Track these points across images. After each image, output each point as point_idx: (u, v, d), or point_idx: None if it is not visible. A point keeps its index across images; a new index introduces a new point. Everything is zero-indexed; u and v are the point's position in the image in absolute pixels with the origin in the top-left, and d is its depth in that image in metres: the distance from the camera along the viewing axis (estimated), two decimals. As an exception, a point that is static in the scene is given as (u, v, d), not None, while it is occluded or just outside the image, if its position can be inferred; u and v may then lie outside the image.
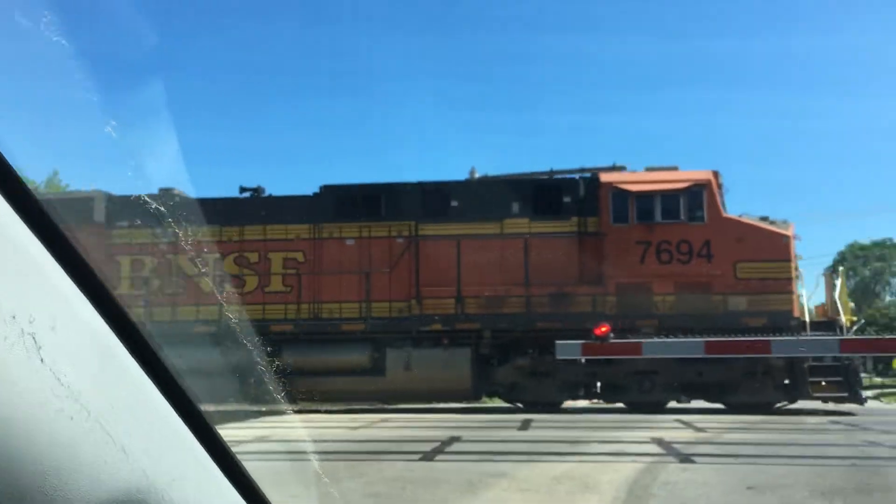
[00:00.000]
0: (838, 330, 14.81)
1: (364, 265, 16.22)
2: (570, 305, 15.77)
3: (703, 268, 15.33)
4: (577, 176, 16.39)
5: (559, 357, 14.72)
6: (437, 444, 8.71)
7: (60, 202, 18.61)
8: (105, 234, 16.29)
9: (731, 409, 14.63)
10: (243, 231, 16.57)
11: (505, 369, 15.61)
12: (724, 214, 15.64)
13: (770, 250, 15.40)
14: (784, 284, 15.30)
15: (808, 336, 14.43)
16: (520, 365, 15.52)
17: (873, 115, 75.76)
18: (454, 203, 16.39)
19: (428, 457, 7.63)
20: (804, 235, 24.55)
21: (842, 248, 50.43)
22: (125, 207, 16.90)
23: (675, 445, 8.37)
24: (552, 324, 15.28)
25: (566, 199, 16.17)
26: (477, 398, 16.51)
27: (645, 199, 15.57)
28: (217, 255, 16.39)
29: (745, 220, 15.93)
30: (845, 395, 14.42)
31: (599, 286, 15.52)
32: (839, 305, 15.48)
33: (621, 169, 16.36)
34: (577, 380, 15.45)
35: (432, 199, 16.52)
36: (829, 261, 44.00)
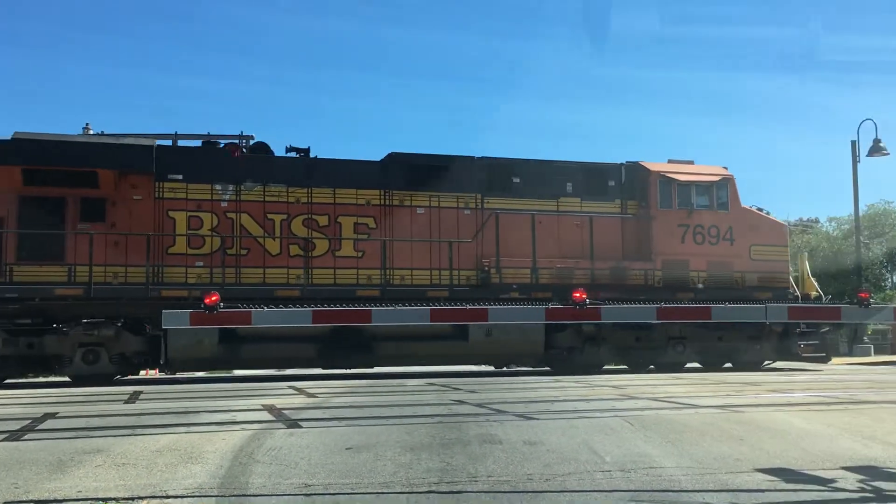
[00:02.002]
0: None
1: (434, 233, 16.76)
2: (625, 279, 17.60)
3: (727, 249, 18.27)
4: (620, 162, 18.40)
5: (165, 326, 14.16)
6: (27, 421, 7.91)
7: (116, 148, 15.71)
8: (157, 187, 15.56)
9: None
10: (311, 193, 16.24)
11: (565, 335, 16.70)
12: (742, 205, 18.66)
13: (774, 237, 18.89)
14: (784, 265, 18.88)
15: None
16: (583, 332, 16.77)
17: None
18: (516, 179, 17.48)
19: (14, 436, 6.89)
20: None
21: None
22: (182, 158, 16.03)
23: (286, 412, 8.58)
24: (612, 294, 16.81)
25: (611, 183, 18.13)
26: (548, 362, 17.41)
27: (686, 188, 18.07)
28: (286, 216, 16.15)
29: (756, 210, 19.15)
30: (823, 354, 18.13)
31: (649, 262, 17.80)
32: (813, 282, 18.90)
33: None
34: (633, 345, 17.29)
35: (497, 174, 17.48)
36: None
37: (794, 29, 66.69)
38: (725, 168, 19.07)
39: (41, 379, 17.11)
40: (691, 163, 18.89)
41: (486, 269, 16.79)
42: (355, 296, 15.69)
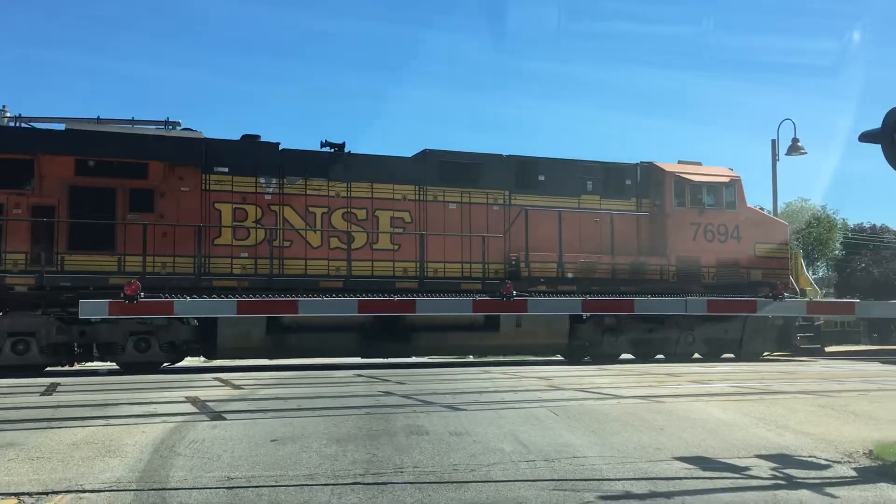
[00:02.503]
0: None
1: (465, 228, 17.21)
2: (643, 273, 18.20)
3: (735, 247, 18.98)
4: (636, 162, 19.09)
5: (82, 316, 13.84)
6: (-66, 415, 7.58)
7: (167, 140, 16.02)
8: (204, 179, 15.82)
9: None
10: (350, 187, 16.62)
11: (587, 327, 17.27)
12: (748, 205, 19.70)
13: (776, 235, 19.83)
14: (784, 262, 19.69)
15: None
16: (604, 324, 17.33)
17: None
18: (541, 177, 18.02)
19: (-81, 431, 6.59)
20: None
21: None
22: (227, 151, 16.22)
23: (210, 404, 8.42)
24: (631, 288, 17.45)
25: (627, 182, 18.80)
26: (571, 353, 17.70)
27: (698, 188, 18.83)
28: (326, 209, 16.48)
29: (759, 210, 20.38)
30: (818, 346, 19.39)
31: (664, 258, 18.44)
32: (808, 277, 19.89)
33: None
34: (647, 337, 17.86)
35: (523, 172, 17.98)
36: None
37: (688, 26, 68.42)
38: (731, 169, 19.89)
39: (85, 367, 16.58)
40: (699, 164, 19.69)
41: (514, 262, 17.38)
42: (394, 287, 16.11)
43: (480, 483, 5.02)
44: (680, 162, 19.63)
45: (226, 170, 15.85)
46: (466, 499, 4.66)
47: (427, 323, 16.10)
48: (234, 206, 15.88)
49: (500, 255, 17.32)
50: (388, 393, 9.62)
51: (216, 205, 15.74)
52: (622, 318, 17.38)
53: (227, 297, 14.78)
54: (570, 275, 17.55)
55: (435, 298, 15.56)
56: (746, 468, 5.53)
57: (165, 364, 15.56)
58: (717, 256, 18.95)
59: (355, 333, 16.03)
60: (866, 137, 6.30)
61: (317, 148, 16.96)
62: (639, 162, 19.18)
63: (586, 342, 17.57)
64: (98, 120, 16.54)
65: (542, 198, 17.89)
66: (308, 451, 5.77)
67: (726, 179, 19.36)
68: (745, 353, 18.52)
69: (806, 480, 5.17)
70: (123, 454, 5.60)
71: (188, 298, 14.41)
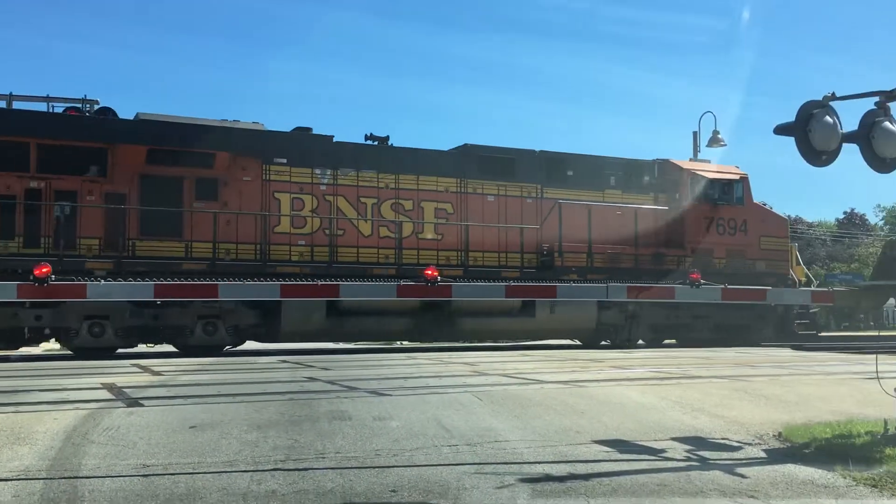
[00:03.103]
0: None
1: (501, 219, 18.20)
2: (663, 264, 19.46)
3: (742, 239, 20.35)
4: (653, 160, 20.51)
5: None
6: None
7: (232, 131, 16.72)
8: (265, 169, 16.54)
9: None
10: (398, 179, 17.57)
11: (611, 313, 18.24)
12: (754, 201, 20.99)
13: (778, 229, 21.20)
14: (785, 254, 20.92)
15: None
16: (627, 310, 18.36)
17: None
18: (570, 172, 19.28)
19: None
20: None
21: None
22: (286, 143, 17.02)
23: (127, 390, 8.20)
24: (652, 277, 18.67)
25: (646, 178, 20.21)
26: (598, 338, 18.77)
27: (711, 185, 20.12)
28: (376, 200, 17.36)
29: (763, 206, 21.50)
30: (813, 332, 20.50)
31: (682, 249, 19.84)
32: (803, 268, 21.20)
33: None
34: (665, 322, 19.07)
35: (554, 167, 19.19)
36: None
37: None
38: (738, 167, 21.30)
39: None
40: (708, 161, 21.39)
41: (546, 252, 18.43)
42: (442, 275, 16.87)
43: (403, 468, 5.02)
44: (690, 160, 21.40)
45: (284, 161, 16.67)
46: (388, 483, 4.65)
47: (469, 309, 17.06)
48: (292, 195, 16.71)
49: (534, 245, 18.51)
50: (312, 379, 9.53)
51: (276, 194, 16.56)
52: (643, 304, 18.52)
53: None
54: (598, 264, 18.90)
55: (472, 284, 16.77)
56: (662, 450, 5.68)
57: (228, 347, 15.99)
58: (727, 248, 20.35)
59: (406, 317, 16.95)
60: (781, 130, 6.50)
61: (361, 140, 18.10)
62: (656, 159, 20.70)
63: (610, 327, 18.68)
64: (11, 95, 15.95)
65: (570, 191, 19.14)
66: (228, 437, 5.67)
67: (736, 177, 20.77)
68: (753, 340, 19.59)
69: (718, 461, 5.33)
70: (33, 442, 5.40)
71: (101, 282, 14.34)
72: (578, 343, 19.57)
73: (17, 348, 15.66)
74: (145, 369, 11.02)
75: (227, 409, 6.75)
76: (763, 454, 5.66)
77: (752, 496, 4.53)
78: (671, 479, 4.87)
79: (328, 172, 17.04)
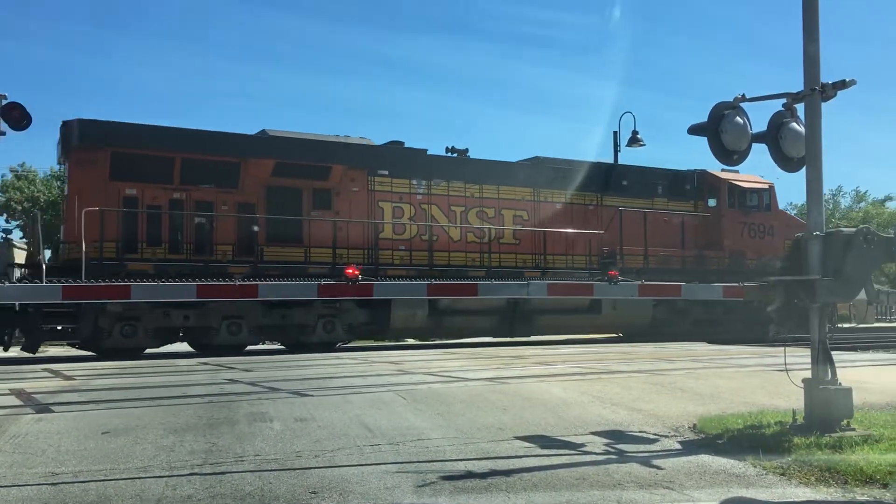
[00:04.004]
0: None
1: (567, 225, 20.05)
2: (705, 265, 21.46)
3: (770, 243, 21.97)
4: (692, 170, 22.50)
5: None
6: None
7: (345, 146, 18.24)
8: (370, 181, 18.10)
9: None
10: (482, 189, 19.35)
11: (663, 309, 19.99)
12: (779, 208, 23.52)
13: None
14: None
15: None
16: (675, 307, 20.03)
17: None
18: (624, 182, 21.20)
19: None
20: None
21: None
22: (387, 156, 18.72)
23: (37, 396, 7.89)
24: (696, 278, 19.96)
25: (687, 187, 22.25)
26: (652, 332, 19.71)
27: (745, 193, 22.40)
28: (464, 208, 19.17)
29: (787, 213, 24.01)
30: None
31: (721, 252, 21.92)
32: None
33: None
34: (711, 317, 20.64)
35: (611, 177, 21.13)
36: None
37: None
38: (762, 177, 23.23)
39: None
40: (738, 172, 22.15)
41: (607, 254, 20.09)
42: (523, 276, 18.65)
43: (324, 469, 4.96)
44: (723, 170, 22.49)
45: (386, 172, 18.28)
46: (308, 485, 4.60)
47: (545, 307, 18.64)
48: (394, 204, 18.33)
49: (596, 248, 20.33)
50: (233, 381, 9.36)
51: (380, 203, 18.16)
52: (690, 301, 20.00)
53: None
54: (653, 265, 20.62)
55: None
56: (582, 444, 5.77)
57: (339, 343, 17.37)
58: (757, 251, 22.02)
59: (494, 315, 18.55)
60: (694, 130, 6.69)
61: (441, 152, 20.06)
62: (695, 170, 22.72)
63: (660, 323, 20.24)
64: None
65: (625, 200, 21.09)
66: (142, 442, 5.51)
67: (766, 186, 22.87)
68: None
69: (636, 454, 5.45)
70: (-68, 452, 5.15)
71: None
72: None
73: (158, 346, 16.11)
74: (57, 374, 10.63)
75: (143, 414, 6.57)
76: (678, 446, 5.81)
77: (667, 487, 4.65)
78: (590, 472, 4.95)
79: (423, 183, 18.84)
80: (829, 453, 5.28)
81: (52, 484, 4.56)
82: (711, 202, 22.59)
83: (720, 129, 6.65)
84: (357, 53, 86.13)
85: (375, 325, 17.46)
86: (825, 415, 5.91)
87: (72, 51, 67.28)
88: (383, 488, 4.54)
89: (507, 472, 4.89)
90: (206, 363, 12.48)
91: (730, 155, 6.78)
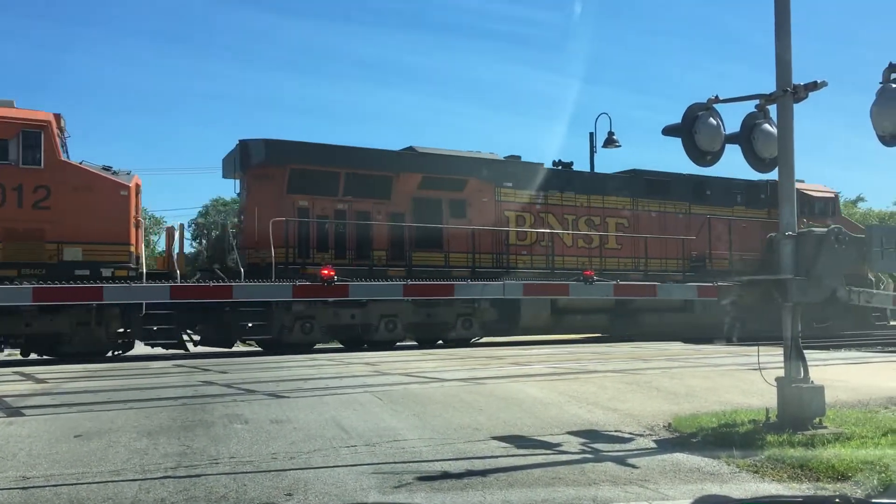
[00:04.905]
0: None
1: (661, 232, 21.70)
2: None
3: None
4: (767, 179, 22.77)
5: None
6: None
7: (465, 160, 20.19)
8: (497, 192, 19.95)
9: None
10: (590, 199, 21.22)
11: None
12: (841, 215, 24.54)
13: None
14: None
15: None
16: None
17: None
18: (708, 192, 22.84)
19: None
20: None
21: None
22: (510, 170, 20.49)
23: (7, 399, 7.78)
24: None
25: (761, 196, 23.60)
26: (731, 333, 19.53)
27: (815, 202, 23.66)
28: (574, 216, 21.06)
29: (847, 219, 24.95)
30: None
31: None
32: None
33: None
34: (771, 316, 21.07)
35: (697, 187, 22.63)
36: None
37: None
38: (825, 185, 24.99)
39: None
40: (802, 181, 23.68)
41: (696, 258, 21.89)
42: (628, 278, 20.29)
43: (300, 470, 4.94)
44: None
45: (510, 185, 20.12)
46: (284, 486, 4.57)
47: (646, 307, 20.30)
48: (517, 213, 20.19)
49: (686, 253, 22.02)
50: (208, 382, 9.29)
51: (505, 212, 20.01)
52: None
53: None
54: (737, 268, 21.39)
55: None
56: (558, 444, 5.79)
57: (474, 339, 19.16)
58: None
59: (605, 314, 20.40)
60: (668, 131, 6.73)
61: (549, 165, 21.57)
62: (769, 180, 22.67)
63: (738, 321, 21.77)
64: None
65: (710, 208, 22.76)
66: (116, 445, 5.45)
67: (832, 195, 24.68)
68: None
69: (611, 453, 5.48)
70: None
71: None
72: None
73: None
74: (28, 377, 10.49)
75: (116, 417, 6.50)
76: (653, 445, 5.85)
77: (641, 485, 4.67)
78: (566, 471, 4.97)
79: (541, 194, 20.55)
80: (802, 451, 5.34)
81: (23, 488, 4.50)
82: None
83: (694, 130, 6.71)
84: (306, 50, 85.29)
85: (507, 323, 19.25)
86: (798, 413, 5.98)
87: (43, 49, 66.45)
88: (359, 489, 4.53)
89: (484, 472, 4.89)
90: (181, 365, 12.37)
91: (704, 155, 6.84)
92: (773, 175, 6.63)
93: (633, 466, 5.09)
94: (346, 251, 18.10)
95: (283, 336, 16.73)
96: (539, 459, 5.34)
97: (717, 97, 6.76)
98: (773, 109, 6.60)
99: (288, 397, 7.64)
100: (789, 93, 6.22)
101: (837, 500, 2.11)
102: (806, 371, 6.15)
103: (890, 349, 16.43)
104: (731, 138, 6.89)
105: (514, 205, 20.26)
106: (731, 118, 6.97)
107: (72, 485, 4.57)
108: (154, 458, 5.18)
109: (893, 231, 6.38)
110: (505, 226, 19.96)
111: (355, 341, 18.28)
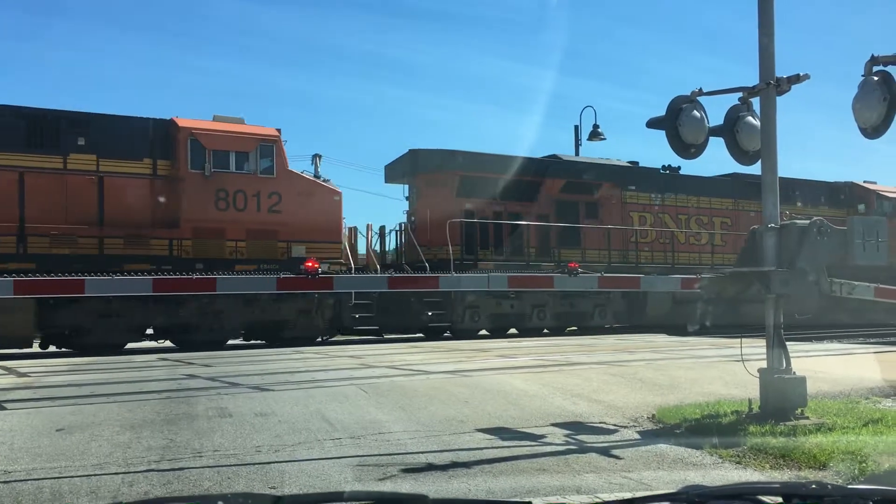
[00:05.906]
0: None
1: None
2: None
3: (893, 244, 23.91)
4: (844, 182, 25.98)
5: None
6: None
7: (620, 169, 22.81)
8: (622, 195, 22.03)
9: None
10: (699, 200, 23.17)
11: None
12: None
13: None
14: None
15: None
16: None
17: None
18: (796, 192, 24.12)
19: None
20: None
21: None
22: (632, 174, 22.68)
23: (-10, 393, 7.73)
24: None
25: (841, 197, 25.56)
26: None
27: (886, 201, 25.13)
28: (686, 216, 22.95)
29: None
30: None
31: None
32: None
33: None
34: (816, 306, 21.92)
35: (784, 189, 20.95)
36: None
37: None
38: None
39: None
40: (875, 182, 25.75)
41: None
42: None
43: (284, 463, 4.93)
44: (864, 182, 26.13)
45: (634, 188, 22.03)
46: (268, 479, 4.56)
47: (752, 297, 21.10)
48: (639, 214, 22.05)
49: None
50: (192, 376, 9.25)
51: (630, 213, 21.86)
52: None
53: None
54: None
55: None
56: (543, 436, 5.81)
57: (608, 326, 20.79)
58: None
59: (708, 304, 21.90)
60: (652, 124, 6.75)
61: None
62: (847, 182, 26.06)
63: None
64: None
65: (799, 209, 23.22)
66: (98, 439, 5.42)
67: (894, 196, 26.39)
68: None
69: (595, 444, 5.50)
70: None
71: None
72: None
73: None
74: (10, 371, 10.40)
75: (99, 411, 6.46)
76: (637, 436, 5.88)
77: (624, 476, 4.69)
78: (550, 462, 4.98)
79: (659, 196, 22.40)
80: (784, 441, 5.38)
81: (5, 482, 4.46)
82: (861, 209, 25.86)
83: (678, 123, 6.72)
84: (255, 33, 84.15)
85: (634, 314, 20.77)
86: (780, 404, 6.02)
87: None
88: (343, 482, 4.52)
89: (469, 464, 4.90)
90: (165, 359, 12.32)
91: (687, 148, 6.86)
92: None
93: (617, 457, 5.11)
94: (504, 248, 20.03)
95: (456, 323, 18.67)
96: (524, 451, 5.35)
97: (700, 90, 6.78)
98: (756, 102, 6.63)
99: (273, 390, 7.63)
100: (772, 85, 6.25)
101: (814, 486, 2.11)
102: (788, 362, 6.19)
103: (872, 341, 16.60)
104: (715, 131, 6.91)
105: (637, 206, 22.20)
106: (715, 111, 7.00)
107: (54, 478, 4.54)
108: (137, 451, 5.15)
109: (875, 223, 6.44)
110: (630, 225, 21.90)
111: (500, 330, 19.70)
